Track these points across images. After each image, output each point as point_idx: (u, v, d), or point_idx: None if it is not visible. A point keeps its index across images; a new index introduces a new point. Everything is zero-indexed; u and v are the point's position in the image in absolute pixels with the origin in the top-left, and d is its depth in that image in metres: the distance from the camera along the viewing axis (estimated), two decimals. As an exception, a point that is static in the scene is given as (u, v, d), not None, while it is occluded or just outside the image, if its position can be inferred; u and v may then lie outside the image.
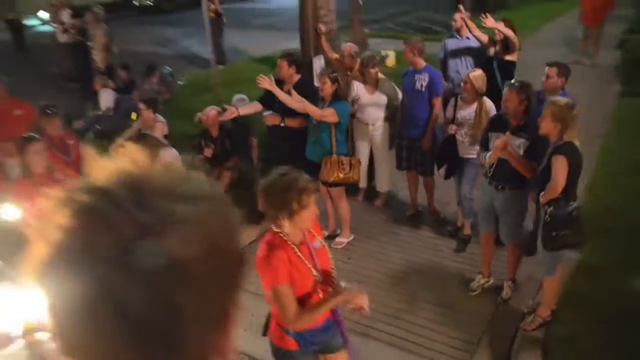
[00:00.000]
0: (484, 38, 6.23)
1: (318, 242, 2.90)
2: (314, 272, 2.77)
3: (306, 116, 5.10)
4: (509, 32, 5.93)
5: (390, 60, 10.92)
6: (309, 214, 2.68)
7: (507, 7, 17.08)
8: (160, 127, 6.87)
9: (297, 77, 5.26)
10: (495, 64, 6.03)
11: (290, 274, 2.68)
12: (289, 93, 5.04)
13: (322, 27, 6.10)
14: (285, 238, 2.70)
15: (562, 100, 3.68)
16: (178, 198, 0.58)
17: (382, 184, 6.02)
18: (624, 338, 3.75)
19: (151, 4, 25.65)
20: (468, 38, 6.36)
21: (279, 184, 2.65)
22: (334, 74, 5.04)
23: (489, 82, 4.98)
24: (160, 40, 17.68)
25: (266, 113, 5.36)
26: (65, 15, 11.10)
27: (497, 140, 3.96)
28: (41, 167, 4.12)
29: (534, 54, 9.64)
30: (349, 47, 6.01)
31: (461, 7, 6.33)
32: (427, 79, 5.31)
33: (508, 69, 5.92)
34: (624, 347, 3.68)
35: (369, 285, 4.48)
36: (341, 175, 5.07)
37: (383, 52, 10.93)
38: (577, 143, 3.59)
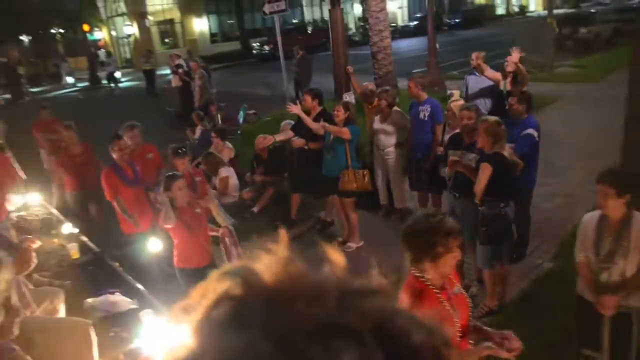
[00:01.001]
0: (496, 77, 6.95)
1: (457, 288, 2.74)
2: (456, 320, 2.58)
3: (324, 140, 6.23)
4: (522, 67, 6.65)
5: (455, 98, 11.64)
6: (452, 259, 2.54)
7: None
8: (227, 152, 8.37)
9: (319, 109, 6.42)
10: (506, 96, 6.75)
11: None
12: (317, 120, 6.23)
13: (350, 69, 7.21)
14: (427, 283, 2.57)
15: (491, 118, 4.47)
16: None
17: (398, 201, 6.90)
18: None
19: (267, 52, 28.34)
20: (485, 75, 7.14)
21: (424, 226, 2.54)
22: (346, 104, 6.16)
23: (504, 113, 5.70)
24: (265, 83, 19.74)
25: (294, 138, 6.58)
26: (178, 64, 13.32)
27: (450, 158, 4.81)
28: (184, 202, 4.40)
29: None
30: (368, 85, 7.08)
31: (514, 51, 7.06)
32: (429, 110, 6.22)
33: None
34: None
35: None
36: (356, 185, 6.08)
37: (448, 92, 11.71)
38: (505, 153, 4.33)
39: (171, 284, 5.00)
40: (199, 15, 34.06)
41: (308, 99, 6.43)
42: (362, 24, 39.92)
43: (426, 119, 6.21)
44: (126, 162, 5.47)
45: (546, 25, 16.35)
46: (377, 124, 6.62)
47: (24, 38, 33.37)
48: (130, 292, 3.60)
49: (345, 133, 5.90)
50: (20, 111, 17.01)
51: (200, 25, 34.33)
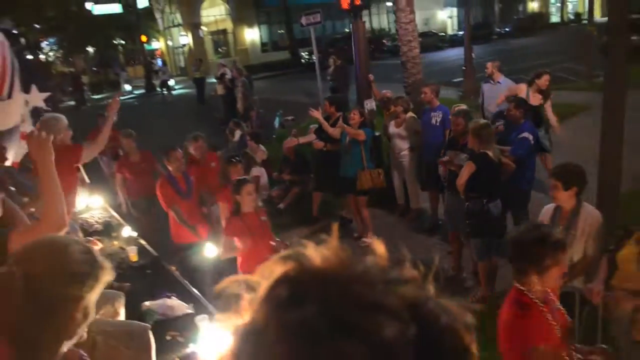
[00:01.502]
0: (518, 89, 7.17)
1: (558, 303, 2.68)
2: (559, 334, 2.52)
3: (341, 142, 6.76)
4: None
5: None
6: (559, 272, 2.48)
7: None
8: (260, 154, 9.03)
9: (337, 114, 6.97)
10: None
11: (542, 336, 2.49)
12: (334, 125, 6.79)
13: (371, 77, 7.71)
14: (532, 296, 2.49)
15: (479, 121, 4.89)
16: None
17: (413, 202, 7.34)
18: None
19: (314, 61, 29.02)
20: (499, 82, 7.50)
21: (531, 237, 2.48)
22: (361, 109, 6.69)
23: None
24: (307, 91, 20.43)
25: (315, 140, 7.14)
26: (222, 73, 14.18)
27: (442, 158, 5.25)
28: (250, 207, 4.38)
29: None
30: (386, 93, 7.57)
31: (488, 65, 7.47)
32: (440, 116, 6.65)
33: (537, 112, 6.89)
34: None
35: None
36: (372, 184, 6.58)
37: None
38: (490, 154, 4.74)
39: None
40: (250, 25, 35.27)
41: (327, 105, 6.99)
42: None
43: (437, 124, 6.64)
44: (180, 173, 5.57)
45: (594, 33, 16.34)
46: (392, 129, 7.09)
47: (90, 49, 35.60)
48: (186, 296, 3.60)
49: (361, 135, 6.42)
50: (82, 117, 18.34)
51: (252, 35, 35.52)
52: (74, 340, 1.57)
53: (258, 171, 8.12)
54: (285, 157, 8.39)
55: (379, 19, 42.57)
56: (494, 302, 5.10)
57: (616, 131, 5.08)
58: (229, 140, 11.39)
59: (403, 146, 7.03)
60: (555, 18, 48.61)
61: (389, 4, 42.45)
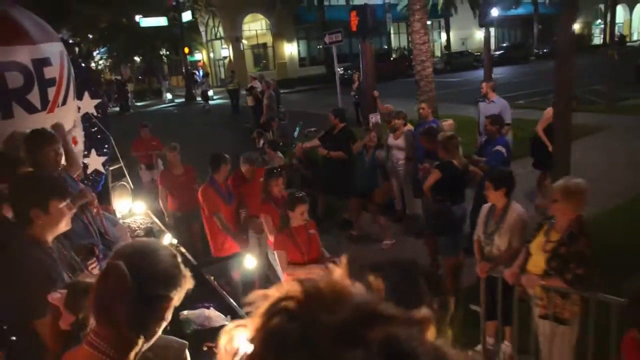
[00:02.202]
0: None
1: None
2: None
3: (346, 151, 7.49)
4: None
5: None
6: None
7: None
8: (278, 160, 9.86)
9: (341, 125, 7.72)
10: None
11: None
12: (338, 135, 7.56)
13: (376, 93, 8.44)
14: None
15: (447, 133, 5.58)
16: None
17: (408, 208, 8.01)
18: None
19: (348, 76, 29.89)
20: (494, 101, 8.14)
21: None
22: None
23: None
24: (335, 105, 21.22)
25: (320, 148, 7.93)
26: (251, 86, 15.17)
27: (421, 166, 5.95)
28: (300, 221, 4.41)
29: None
30: (389, 107, 8.30)
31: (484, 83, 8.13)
32: (433, 129, 7.34)
33: None
34: None
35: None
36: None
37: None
38: (455, 162, 5.40)
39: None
40: (289, 40, 36.48)
41: (331, 116, 7.77)
42: (446, 52, 40.74)
43: (430, 136, 7.32)
44: (223, 179, 5.69)
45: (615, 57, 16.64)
46: (391, 140, 7.80)
47: (136, 59, 37.52)
48: (224, 307, 3.59)
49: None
50: (125, 122, 19.62)
51: (290, 49, 36.72)
52: (149, 343, 1.58)
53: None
54: (298, 159, 9.20)
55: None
56: (458, 297, 5.74)
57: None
58: (256, 147, 12.32)
59: (400, 156, 7.72)
60: (598, 40, 48.21)
61: (429, 22, 43.27)
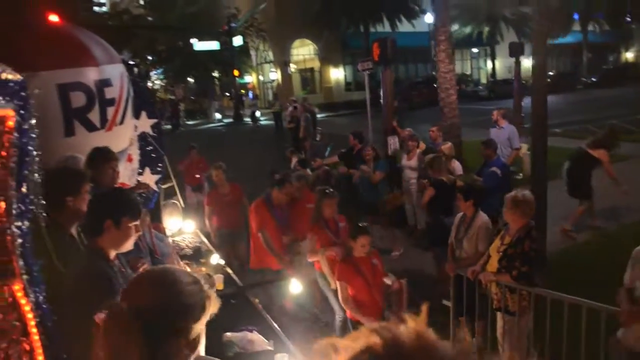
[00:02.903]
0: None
1: None
2: None
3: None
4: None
5: (524, 149, 12.84)
6: None
7: None
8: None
9: (359, 146, 8.52)
10: None
11: None
12: (355, 154, 8.37)
13: (395, 122, 9.23)
14: None
15: (431, 155, 6.30)
16: None
17: (419, 223, 8.68)
18: None
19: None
20: (503, 127, 8.77)
21: None
22: (373, 146, 8.26)
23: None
24: (376, 129, 22.01)
25: (341, 166, 8.74)
26: (290, 108, 16.20)
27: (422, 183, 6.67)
28: (363, 253, 4.40)
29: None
30: (405, 131, 9.05)
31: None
32: (441, 151, 8.05)
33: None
34: None
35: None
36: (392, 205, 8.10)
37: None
38: (444, 179, 6.09)
39: (313, 330, 5.33)
40: (336, 65, 37.64)
41: (351, 138, 8.59)
42: (492, 79, 40.96)
43: (438, 158, 8.03)
44: (280, 202, 5.64)
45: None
46: (404, 161, 8.53)
47: (190, 79, 39.58)
48: (267, 331, 3.52)
49: (376, 177, 7.96)
50: (176, 139, 20.97)
51: (337, 74, 37.86)
52: None
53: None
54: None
55: (462, 65, 43.68)
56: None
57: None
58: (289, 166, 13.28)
59: (412, 175, 8.43)
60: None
61: (475, 50, 43.69)
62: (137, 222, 2.54)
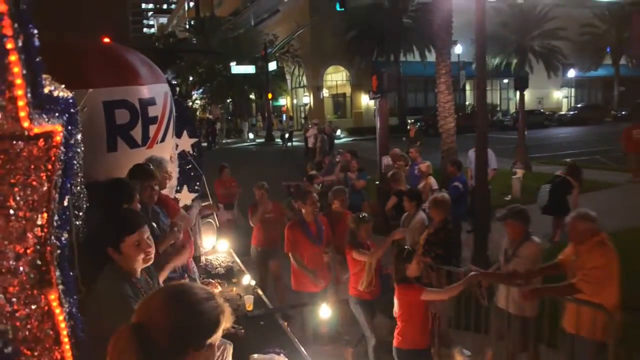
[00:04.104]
0: None
1: None
2: None
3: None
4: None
5: (519, 174, 13.95)
6: None
7: None
8: (312, 190, 12.18)
9: (357, 166, 9.95)
10: None
11: None
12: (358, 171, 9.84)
13: (394, 151, 10.65)
14: None
15: (390, 170, 7.69)
16: None
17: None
18: None
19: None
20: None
21: None
22: (357, 160, 9.72)
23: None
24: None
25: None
26: (310, 130, 17.79)
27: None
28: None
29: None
30: (395, 150, 10.44)
31: None
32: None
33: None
34: None
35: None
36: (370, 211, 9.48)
37: (513, 169, 14.13)
38: (403, 188, 7.46)
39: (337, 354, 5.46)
40: (367, 92, 39.12)
41: (348, 156, 10.06)
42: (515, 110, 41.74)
43: (418, 174, 9.38)
44: (313, 218, 5.55)
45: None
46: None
47: (228, 100, 41.94)
48: (295, 355, 3.52)
49: (361, 184, 9.36)
50: (211, 156, 22.66)
51: (367, 100, 39.31)
52: None
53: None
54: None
55: (491, 95, 44.72)
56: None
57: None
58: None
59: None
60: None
61: (505, 80, 44.65)
62: (141, 236, 2.48)
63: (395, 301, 4.46)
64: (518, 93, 16.85)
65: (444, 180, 9.42)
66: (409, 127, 18.25)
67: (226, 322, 1.57)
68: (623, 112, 39.83)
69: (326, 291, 5.59)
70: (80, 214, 2.40)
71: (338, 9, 19.97)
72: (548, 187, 9.23)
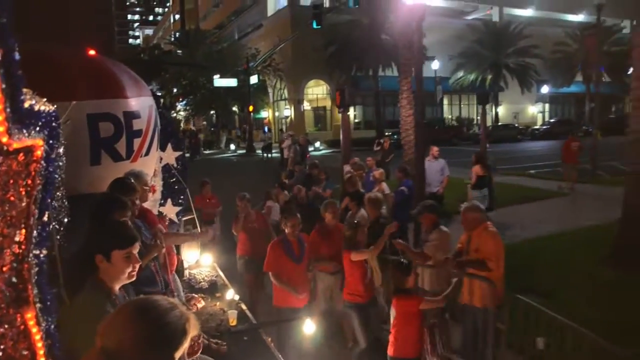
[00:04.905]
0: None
1: None
2: None
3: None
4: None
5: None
6: None
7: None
8: (282, 197, 13.00)
9: (323, 176, 10.87)
10: None
11: None
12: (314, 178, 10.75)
13: (348, 167, 11.59)
14: None
15: (347, 175, 8.65)
16: None
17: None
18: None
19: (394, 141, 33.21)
20: (437, 160, 11.09)
21: None
22: (326, 171, 10.66)
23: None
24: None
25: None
26: (286, 142, 18.76)
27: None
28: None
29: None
30: (355, 159, 11.41)
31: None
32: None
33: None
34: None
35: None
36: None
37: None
38: (362, 191, 8.40)
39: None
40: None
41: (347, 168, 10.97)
42: (494, 124, 43.13)
43: (373, 180, 10.31)
44: (295, 237, 5.54)
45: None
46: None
47: (211, 112, 42.84)
48: None
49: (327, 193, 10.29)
50: (193, 167, 23.34)
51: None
52: None
53: (271, 204, 12.13)
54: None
55: (468, 109, 46.12)
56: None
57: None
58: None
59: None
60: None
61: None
62: (132, 251, 2.47)
63: (392, 311, 4.63)
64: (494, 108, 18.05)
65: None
66: (382, 140, 19.22)
67: (192, 330, 1.57)
68: (591, 128, 41.23)
69: (309, 306, 5.69)
70: (61, 228, 2.36)
71: (315, 26, 21.02)
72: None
